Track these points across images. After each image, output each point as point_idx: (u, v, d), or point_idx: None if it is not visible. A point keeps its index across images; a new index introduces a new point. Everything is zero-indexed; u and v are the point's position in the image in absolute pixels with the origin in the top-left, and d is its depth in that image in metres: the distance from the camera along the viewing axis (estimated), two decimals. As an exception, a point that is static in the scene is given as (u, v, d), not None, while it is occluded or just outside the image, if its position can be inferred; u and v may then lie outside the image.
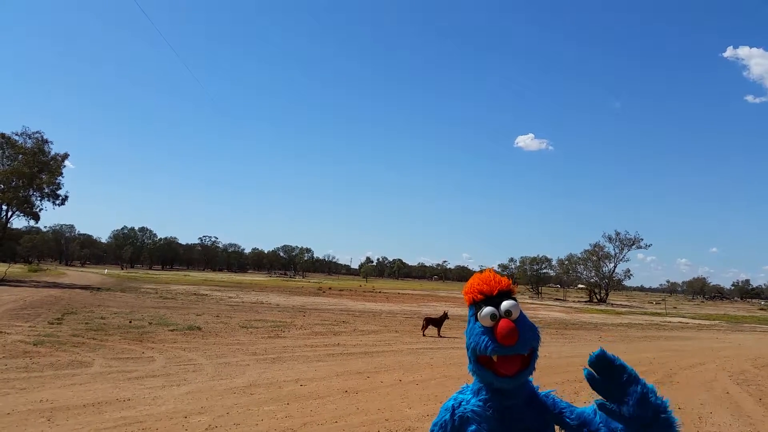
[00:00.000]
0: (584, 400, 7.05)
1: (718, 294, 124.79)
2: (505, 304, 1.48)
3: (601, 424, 1.48)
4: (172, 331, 12.06)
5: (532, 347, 1.49)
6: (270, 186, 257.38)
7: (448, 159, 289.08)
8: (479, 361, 1.50)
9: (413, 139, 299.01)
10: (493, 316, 1.47)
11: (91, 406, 5.49)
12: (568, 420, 1.53)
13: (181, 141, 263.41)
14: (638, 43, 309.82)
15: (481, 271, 1.63)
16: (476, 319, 1.52)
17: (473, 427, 1.52)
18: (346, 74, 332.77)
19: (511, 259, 79.79)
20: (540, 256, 77.81)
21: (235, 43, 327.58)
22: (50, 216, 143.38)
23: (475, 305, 1.54)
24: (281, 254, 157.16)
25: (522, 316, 1.50)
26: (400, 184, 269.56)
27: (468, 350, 1.53)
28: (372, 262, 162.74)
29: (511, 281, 1.58)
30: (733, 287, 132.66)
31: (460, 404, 1.58)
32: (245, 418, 5.33)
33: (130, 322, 13.31)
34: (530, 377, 1.56)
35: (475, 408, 1.53)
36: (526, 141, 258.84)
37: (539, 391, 1.59)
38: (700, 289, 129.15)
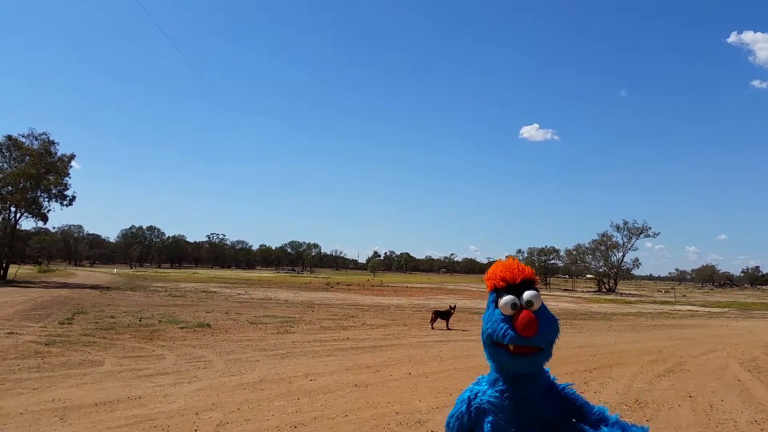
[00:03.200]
0: (594, 389, 7.03)
1: (727, 281, 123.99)
2: (527, 294, 1.46)
3: (616, 425, 1.47)
4: (182, 328, 12.15)
5: (550, 341, 1.47)
6: (277, 182, 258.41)
7: (453, 151, 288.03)
8: (494, 345, 1.49)
9: (418, 132, 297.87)
10: (514, 305, 1.45)
11: (102, 404, 5.53)
12: (589, 414, 1.51)
13: (187, 139, 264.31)
14: (642, 32, 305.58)
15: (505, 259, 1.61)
16: (496, 306, 1.50)
17: (490, 418, 1.50)
18: (348, 68, 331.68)
19: (519, 251, 79.48)
20: (548, 246, 77.69)
21: (241, 40, 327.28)
22: (58, 217, 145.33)
23: (497, 292, 1.52)
24: (289, 250, 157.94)
25: (543, 307, 1.49)
26: (405, 177, 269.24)
27: (483, 335, 1.52)
28: (379, 256, 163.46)
29: (534, 271, 1.56)
30: (742, 274, 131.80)
31: (476, 395, 1.56)
32: (256, 414, 5.35)
33: (140, 320, 13.42)
34: (547, 367, 1.54)
35: (491, 399, 1.51)
36: (531, 131, 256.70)
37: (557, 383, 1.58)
38: (709, 277, 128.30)
